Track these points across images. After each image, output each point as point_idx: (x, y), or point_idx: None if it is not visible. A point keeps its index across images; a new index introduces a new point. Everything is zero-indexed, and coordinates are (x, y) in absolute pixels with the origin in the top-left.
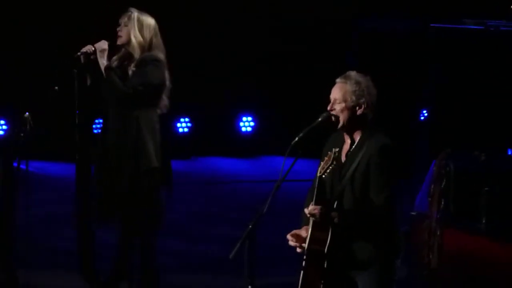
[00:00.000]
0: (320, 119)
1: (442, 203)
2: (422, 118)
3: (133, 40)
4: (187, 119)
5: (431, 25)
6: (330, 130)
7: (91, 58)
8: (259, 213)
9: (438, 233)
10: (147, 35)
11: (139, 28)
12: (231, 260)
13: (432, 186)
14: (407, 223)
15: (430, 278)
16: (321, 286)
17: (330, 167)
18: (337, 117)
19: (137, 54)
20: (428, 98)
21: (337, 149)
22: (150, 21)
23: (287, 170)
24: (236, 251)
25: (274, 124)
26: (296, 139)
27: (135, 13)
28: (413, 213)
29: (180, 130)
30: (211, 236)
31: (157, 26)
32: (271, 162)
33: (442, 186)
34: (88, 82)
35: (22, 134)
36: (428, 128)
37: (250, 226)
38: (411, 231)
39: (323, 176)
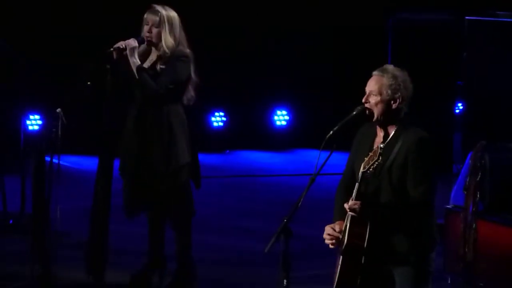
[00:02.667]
0: (354, 113)
1: (478, 195)
2: (457, 111)
3: (165, 42)
4: (221, 113)
5: (466, 17)
6: (364, 124)
7: (124, 54)
8: (294, 207)
9: (474, 226)
10: (177, 34)
11: (170, 30)
12: (266, 254)
13: (468, 179)
14: (443, 216)
15: (465, 271)
16: (358, 280)
17: (376, 163)
18: (371, 110)
19: (167, 53)
20: (463, 91)
21: (382, 145)
22: (176, 18)
23: (322, 163)
24: (271, 244)
25: (308, 117)
26: (331, 132)
27: (163, 13)
28: (448, 206)
29: (215, 124)
30: (246, 230)
31: (179, 19)
32: (306, 155)
33: (478, 179)
34: (121, 77)
35: (54, 130)
36: (463, 120)
37: (285, 220)
38: (446, 224)
39: (368, 172)
